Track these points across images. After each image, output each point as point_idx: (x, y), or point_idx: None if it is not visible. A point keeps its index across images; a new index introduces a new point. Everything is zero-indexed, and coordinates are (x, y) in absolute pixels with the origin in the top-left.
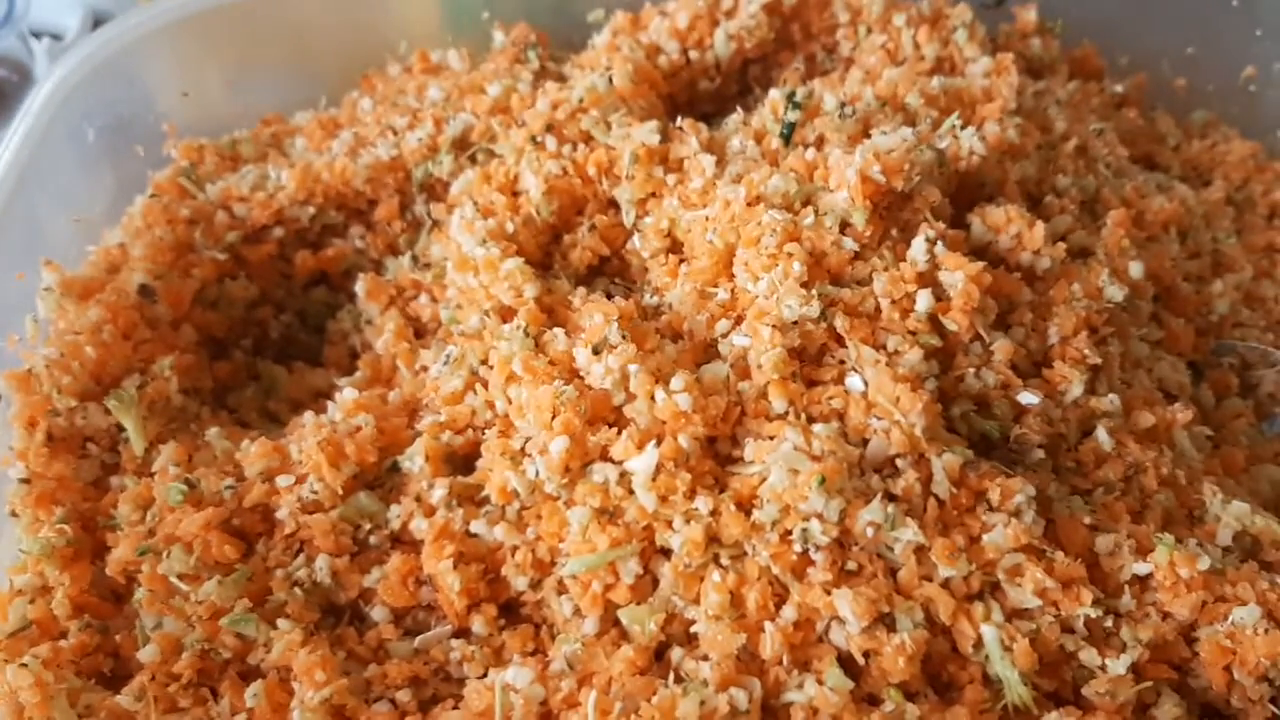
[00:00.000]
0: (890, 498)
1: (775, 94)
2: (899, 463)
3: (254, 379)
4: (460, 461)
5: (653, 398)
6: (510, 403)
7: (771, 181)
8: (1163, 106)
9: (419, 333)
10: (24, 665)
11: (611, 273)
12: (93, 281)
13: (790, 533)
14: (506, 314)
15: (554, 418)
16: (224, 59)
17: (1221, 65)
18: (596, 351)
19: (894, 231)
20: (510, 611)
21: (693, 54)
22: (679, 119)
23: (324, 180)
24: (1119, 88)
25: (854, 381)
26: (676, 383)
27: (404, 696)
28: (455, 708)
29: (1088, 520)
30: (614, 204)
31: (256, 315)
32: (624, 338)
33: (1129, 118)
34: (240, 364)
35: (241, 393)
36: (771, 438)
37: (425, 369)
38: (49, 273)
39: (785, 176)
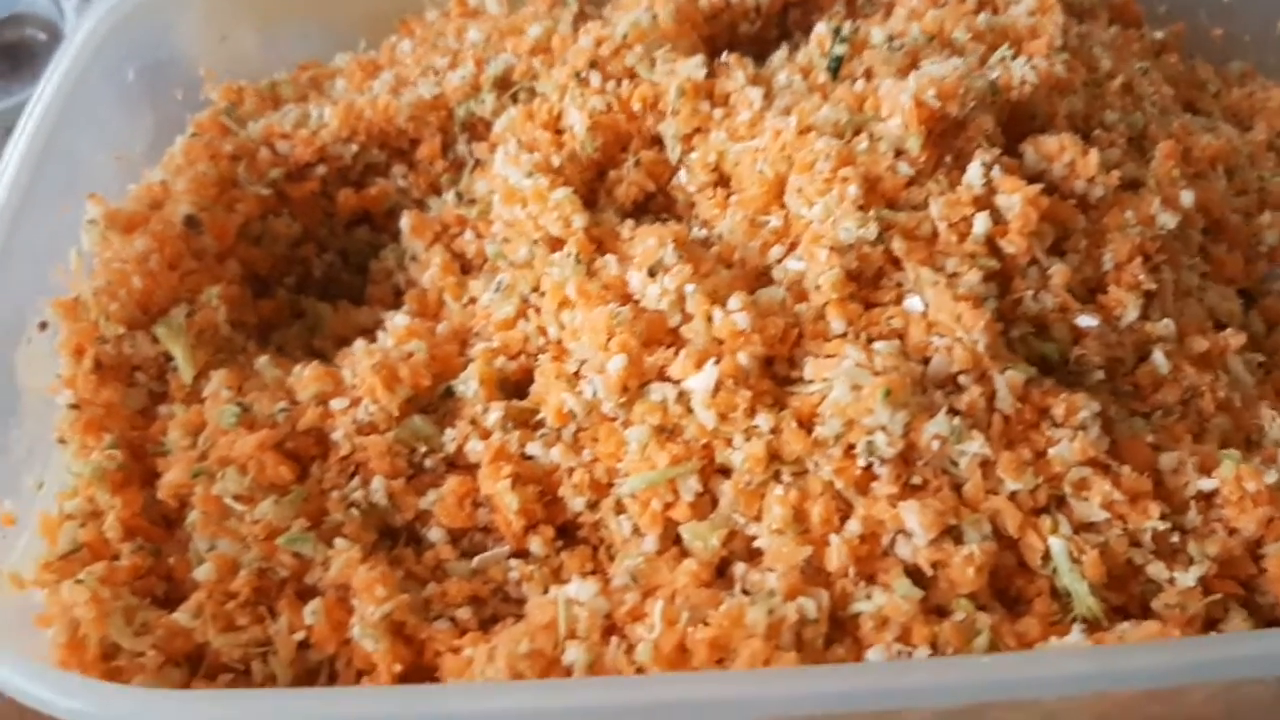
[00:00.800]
0: (955, 412)
1: (821, 28)
2: (962, 379)
3: (298, 317)
4: (514, 387)
5: (710, 318)
6: (563, 328)
7: (822, 112)
8: (1200, 56)
9: (465, 268)
10: (80, 581)
11: (657, 209)
12: (136, 215)
13: (854, 447)
14: (555, 245)
15: (610, 339)
16: (258, 6)
17: (1258, 15)
18: (652, 273)
19: (948, 159)
20: (567, 534)
21: None
22: (724, 56)
23: (367, 117)
24: (1159, 34)
25: (913, 302)
26: (734, 302)
27: (464, 614)
28: (516, 624)
29: (1150, 439)
30: (659, 141)
31: (300, 253)
32: (680, 259)
33: (1170, 63)
34: (284, 301)
35: (286, 330)
36: (831, 356)
37: (474, 301)
38: (94, 205)
39: (836, 107)
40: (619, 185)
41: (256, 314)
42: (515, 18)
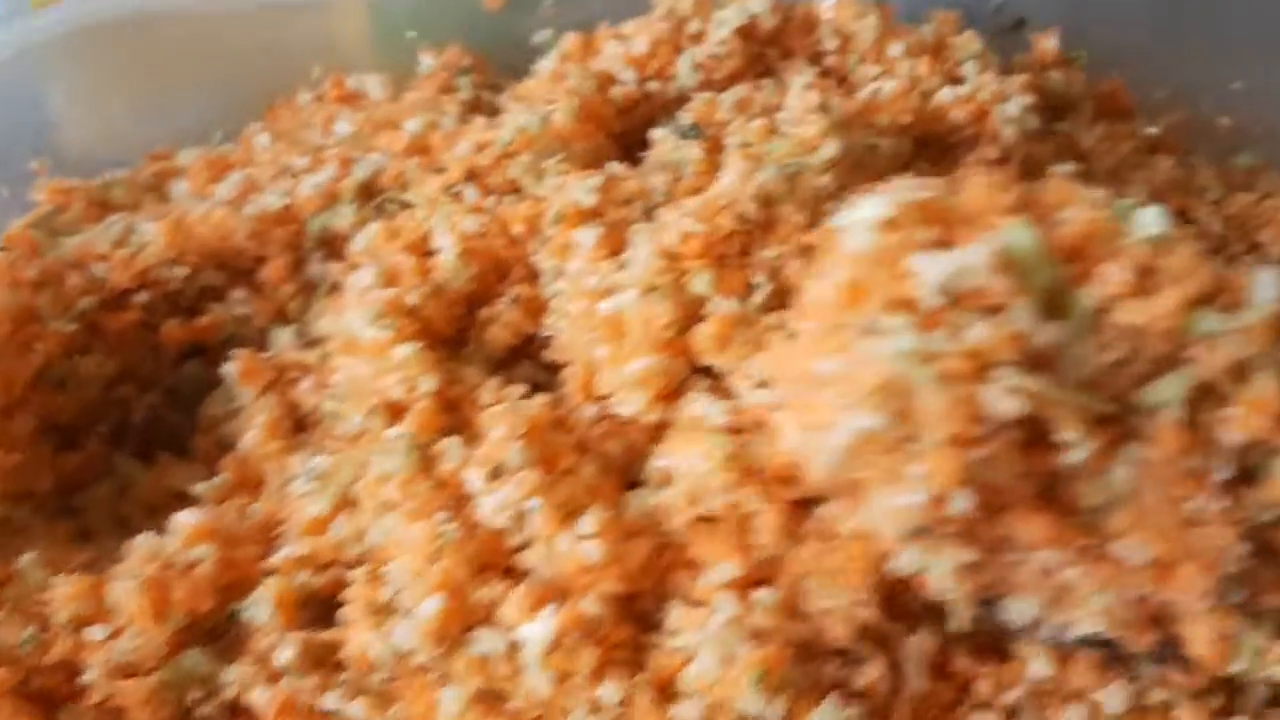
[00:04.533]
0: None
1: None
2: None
3: (110, 473)
4: (322, 606)
5: (555, 544)
6: (385, 536)
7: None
8: (1203, 150)
9: (301, 426)
10: None
11: (537, 353)
12: None
13: None
14: (397, 414)
15: (432, 565)
16: (122, 79)
17: (1270, 103)
18: (492, 477)
19: None
20: None
21: (652, 85)
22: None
23: (198, 235)
24: (1153, 129)
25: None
26: (587, 523)
27: None
28: None
29: None
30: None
31: (116, 395)
32: (526, 462)
33: (1164, 167)
34: (94, 454)
35: (92, 491)
36: (701, 606)
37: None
38: None
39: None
40: (492, 326)
41: (55, 473)
42: (393, 108)
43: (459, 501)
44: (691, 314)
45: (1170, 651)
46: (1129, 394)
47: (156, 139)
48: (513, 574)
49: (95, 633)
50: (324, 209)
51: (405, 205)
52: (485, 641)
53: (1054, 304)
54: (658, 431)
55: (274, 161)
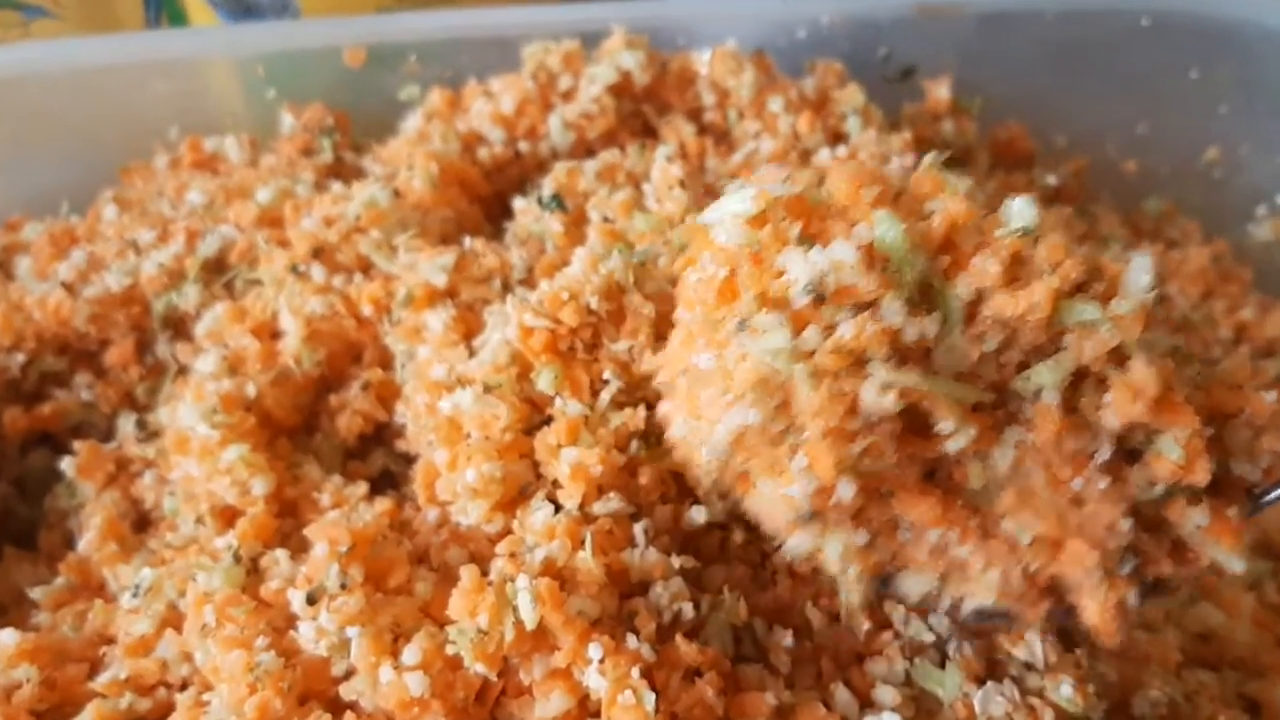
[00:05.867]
0: None
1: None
2: None
3: None
4: None
5: (378, 674)
6: (207, 659)
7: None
8: (1108, 195)
9: (143, 523)
10: None
11: (391, 440)
12: None
13: None
14: (229, 516)
15: (250, 694)
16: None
17: (1179, 146)
18: (312, 601)
19: None
20: None
21: (523, 145)
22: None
23: (36, 320)
24: (1052, 178)
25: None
26: (410, 654)
27: None
28: None
29: None
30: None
31: None
32: (345, 585)
33: (1064, 216)
34: None
35: None
36: None
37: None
38: None
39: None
40: (342, 413)
41: None
42: (247, 174)
43: (285, 623)
44: (535, 413)
45: (1065, 621)
46: (1007, 380)
47: (13, 204)
48: (337, 705)
49: None
50: (169, 288)
51: (254, 283)
52: None
53: (926, 296)
54: (502, 538)
55: (119, 235)
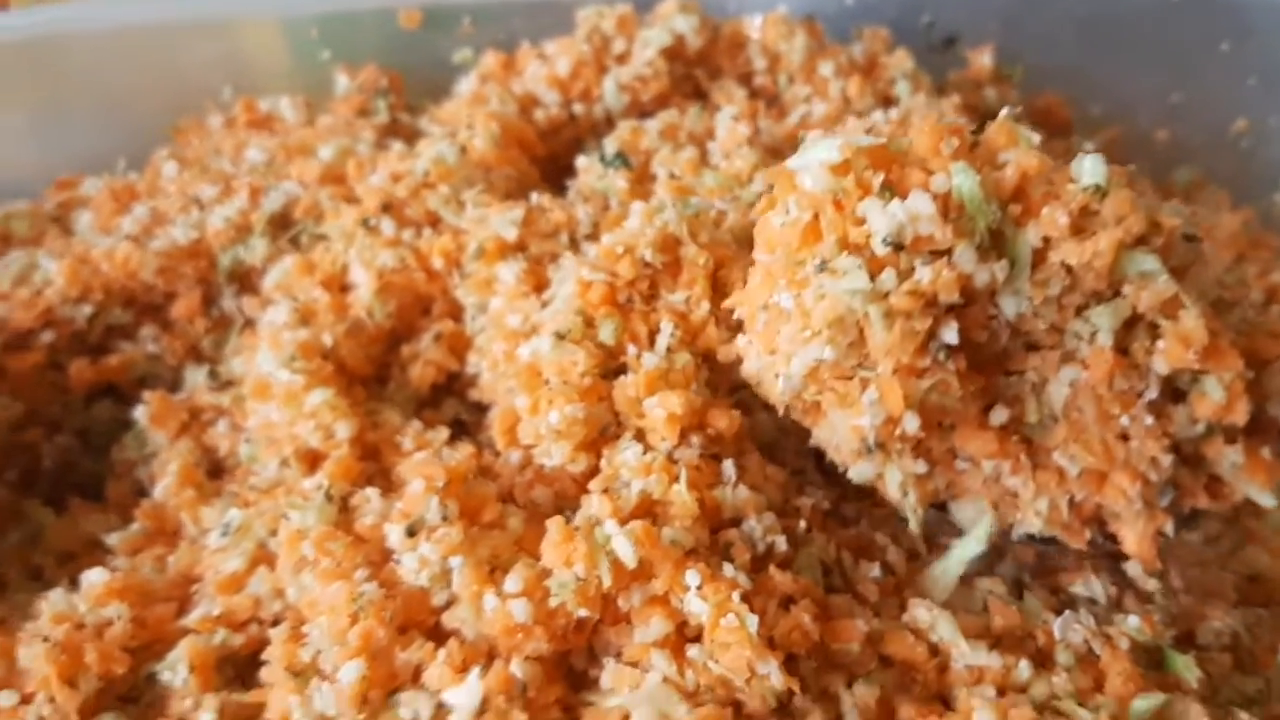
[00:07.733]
0: None
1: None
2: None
3: (21, 520)
4: (244, 664)
5: (481, 603)
6: (303, 590)
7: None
8: (1141, 164)
9: (218, 471)
10: None
11: (463, 390)
12: None
13: None
14: (313, 461)
15: (352, 626)
16: (26, 101)
17: (1209, 117)
18: (412, 533)
19: None
20: None
21: (577, 107)
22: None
23: (103, 273)
24: (1089, 145)
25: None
26: (513, 581)
27: None
28: None
29: None
30: None
31: (23, 439)
32: (445, 517)
33: (1129, 174)
34: (2, 502)
35: (2, 540)
36: (634, 666)
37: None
38: None
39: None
40: (414, 363)
41: None
42: (306, 133)
43: (381, 557)
44: (610, 360)
45: (1107, 547)
46: (1066, 322)
47: (58, 165)
48: (438, 633)
49: (4, 699)
50: (235, 242)
51: (320, 238)
52: (410, 706)
53: (996, 242)
54: (587, 478)
55: (181, 191)
